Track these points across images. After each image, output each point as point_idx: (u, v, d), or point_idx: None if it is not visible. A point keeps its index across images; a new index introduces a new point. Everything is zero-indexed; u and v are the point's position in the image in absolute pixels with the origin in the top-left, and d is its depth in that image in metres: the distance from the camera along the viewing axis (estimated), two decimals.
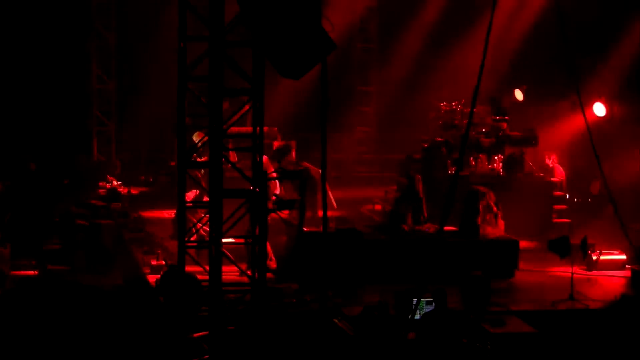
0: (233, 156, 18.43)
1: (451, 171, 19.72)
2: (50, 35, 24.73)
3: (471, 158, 20.42)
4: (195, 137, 16.77)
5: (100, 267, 18.01)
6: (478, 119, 20.43)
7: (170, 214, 19.29)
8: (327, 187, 13.65)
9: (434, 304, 12.89)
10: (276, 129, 22.21)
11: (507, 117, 21.01)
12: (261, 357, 12.87)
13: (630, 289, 16.11)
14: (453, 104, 21.11)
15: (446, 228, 14.88)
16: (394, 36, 26.95)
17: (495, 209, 17.18)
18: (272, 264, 15.97)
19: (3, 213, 19.46)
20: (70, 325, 13.89)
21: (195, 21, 13.26)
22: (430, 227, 17.11)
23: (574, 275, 15.35)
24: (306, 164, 19.01)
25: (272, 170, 16.79)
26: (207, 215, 13.76)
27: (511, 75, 24.14)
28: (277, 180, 16.74)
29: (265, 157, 16.42)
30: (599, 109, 22.64)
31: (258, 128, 13.25)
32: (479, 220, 16.99)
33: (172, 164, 23.56)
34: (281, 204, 15.35)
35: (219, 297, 13.17)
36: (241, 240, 14.24)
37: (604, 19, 22.98)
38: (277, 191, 16.89)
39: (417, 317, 12.87)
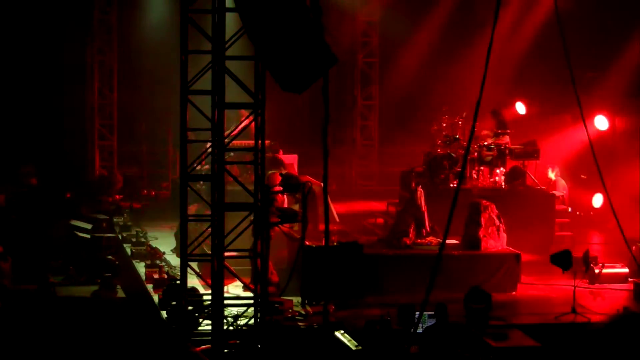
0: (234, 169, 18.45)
1: (453, 184, 19.70)
2: (52, 50, 24.77)
3: (473, 171, 20.41)
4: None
5: (101, 281, 17.99)
6: (480, 132, 20.44)
7: (173, 227, 19.29)
8: (329, 200, 13.66)
9: (436, 317, 12.87)
10: (277, 142, 22.22)
11: (509, 130, 21.00)
12: None
13: (632, 302, 16.07)
14: (455, 117, 21.10)
15: (448, 241, 14.86)
16: (396, 50, 26.98)
17: (497, 222, 17.16)
18: (274, 277, 15.95)
19: (4, 226, 19.46)
20: (71, 338, 13.87)
21: (197, 35, 13.33)
22: (432, 241, 17.10)
23: (577, 288, 15.32)
24: (308, 178, 18.99)
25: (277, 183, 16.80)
26: (210, 229, 13.77)
27: (513, 89, 24.15)
28: (284, 195, 16.72)
29: (276, 173, 16.46)
30: (601, 122, 22.64)
31: (260, 141, 13.28)
32: (481, 233, 16.98)
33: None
34: (283, 217, 15.34)
35: (221, 310, 13.17)
36: (244, 254, 14.24)
37: (605, 33, 23.01)
38: (286, 205, 16.89)
39: (419, 330, 12.85)
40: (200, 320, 13.74)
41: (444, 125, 21.19)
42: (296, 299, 15.27)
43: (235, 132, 14.41)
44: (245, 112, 19.20)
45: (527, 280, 16.89)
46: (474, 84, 13.53)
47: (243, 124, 14.45)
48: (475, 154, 20.26)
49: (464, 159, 15.76)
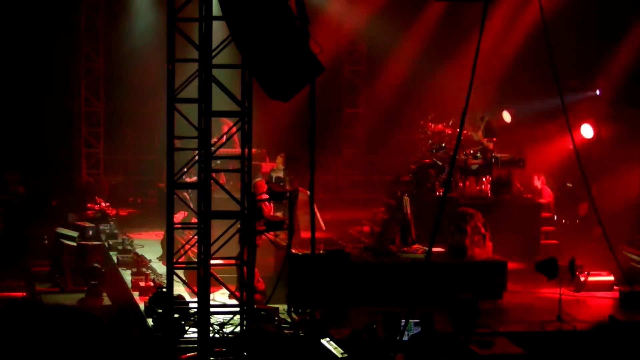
0: (221, 178, 18.47)
1: (439, 192, 19.75)
2: (39, 57, 24.74)
3: (459, 179, 20.45)
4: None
5: (88, 289, 17.96)
6: (466, 140, 20.49)
7: (159, 235, 19.27)
8: (316, 208, 13.67)
9: (421, 325, 12.88)
10: (264, 150, 22.23)
11: (494, 139, 21.06)
12: None
13: (618, 310, 16.11)
14: (441, 125, 21.15)
15: (434, 249, 14.89)
16: (383, 58, 27.02)
17: (483, 230, 17.19)
18: (260, 285, 15.96)
19: None
20: (58, 348, 13.83)
21: (184, 43, 13.35)
22: (418, 249, 17.12)
23: (562, 296, 15.36)
24: (296, 185, 19.01)
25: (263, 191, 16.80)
26: (196, 237, 13.77)
27: (499, 97, 24.20)
28: (271, 203, 16.73)
29: (262, 181, 16.48)
30: (587, 131, 22.71)
31: (247, 150, 13.28)
32: (467, 241, 17.00)
33: (160, 185, 23.58)
34: (270, 225, 15.35)
35: (207, 318, 13.16)
36: (230, 262, 14.24)
37: (591, 43, 23.08)
38: (271, 213, 16.91)
39: (405, 338, 12.86)
40: (186, 327, 13.73)
41: (430, 133, 21.24)
42: (282, 307, 15.27)
43: (223, 140, 14.41)
44: (228, 122, 19.34)
45: (513, 288, 16.92)
46: (460, 92, 13.57)
47: (231, 132, 14.43)
48: (462, 162, 20.31)
49: (450, 167, 15.80)
